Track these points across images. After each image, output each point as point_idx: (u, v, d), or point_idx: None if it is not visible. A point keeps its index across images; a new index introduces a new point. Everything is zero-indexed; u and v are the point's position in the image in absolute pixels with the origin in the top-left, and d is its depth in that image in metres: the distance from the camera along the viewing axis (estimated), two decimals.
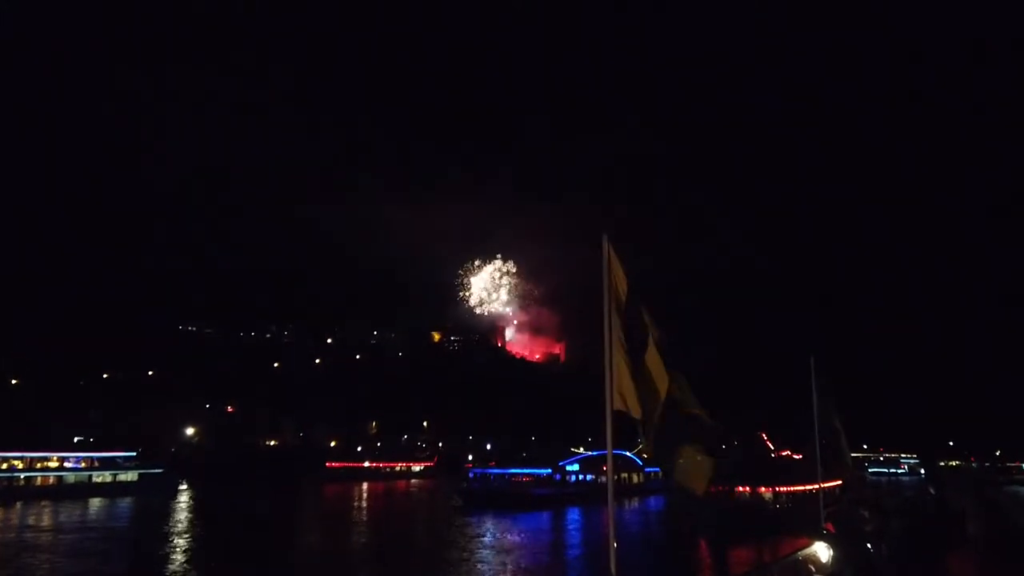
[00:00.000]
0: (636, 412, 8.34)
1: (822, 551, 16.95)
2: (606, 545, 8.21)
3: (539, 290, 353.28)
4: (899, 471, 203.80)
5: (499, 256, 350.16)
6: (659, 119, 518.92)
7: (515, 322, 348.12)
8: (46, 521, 61.73)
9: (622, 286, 8.67)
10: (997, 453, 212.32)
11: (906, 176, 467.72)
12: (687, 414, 8.34)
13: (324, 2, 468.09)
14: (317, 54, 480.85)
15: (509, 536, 55.85)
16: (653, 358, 8.41)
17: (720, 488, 56.11)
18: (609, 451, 8.61)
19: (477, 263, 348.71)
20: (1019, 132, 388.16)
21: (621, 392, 8.42)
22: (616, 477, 77.32)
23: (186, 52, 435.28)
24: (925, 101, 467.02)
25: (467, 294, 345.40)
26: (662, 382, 8.30)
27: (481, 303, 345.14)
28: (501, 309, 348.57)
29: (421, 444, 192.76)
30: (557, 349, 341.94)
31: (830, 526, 19.35)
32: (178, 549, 45.01)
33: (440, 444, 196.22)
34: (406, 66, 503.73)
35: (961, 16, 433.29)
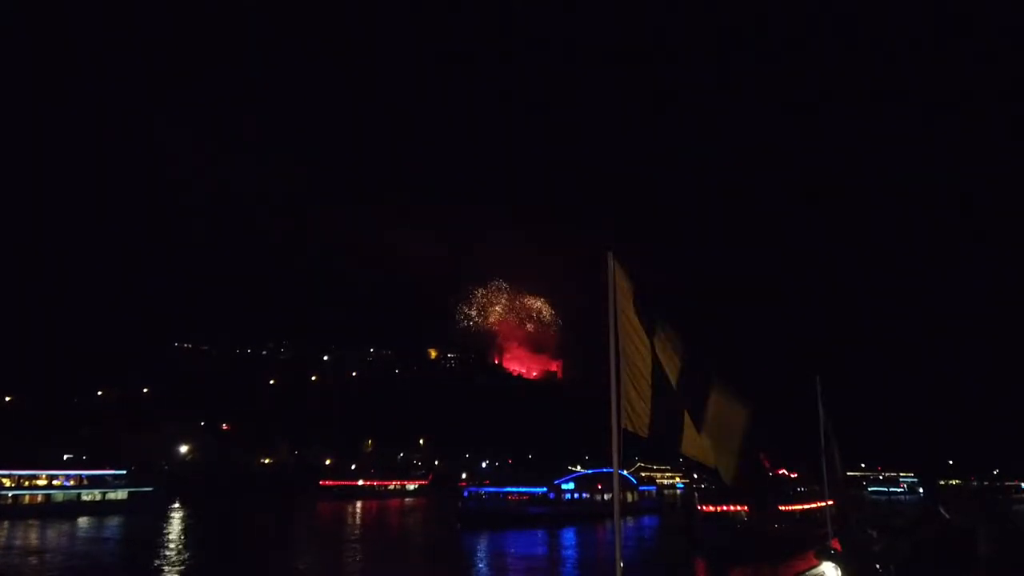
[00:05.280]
0: (644, 432, 8.18)
1: (829, 572, 16.22)
2: (604, 564, 7.61)
3: (538, 307, 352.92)
4: (898, 490, 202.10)
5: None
6: (653, 130, 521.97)
7: (512, 340, 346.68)
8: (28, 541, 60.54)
9: (628, 304, 8.36)
10: (995, 472, 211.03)
11: (905, 206, 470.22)
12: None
13: (322, 28, 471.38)
14: (314, 80, 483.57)
15: (508, 558, 54.69)
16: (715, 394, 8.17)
17: (719, 508, 55.18)
18: (616, 469, 8.18)
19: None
20: None
21: (629, 411, 8.18)
22: (609, 495, 75.67)
23: (189, 74, 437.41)
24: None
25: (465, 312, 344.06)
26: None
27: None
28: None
29: (417, 462, 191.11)
30: (554, 367, 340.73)
31: (836, 544, 18.62)
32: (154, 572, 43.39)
33: (436, 462, 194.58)
34: (400, 83, 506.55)
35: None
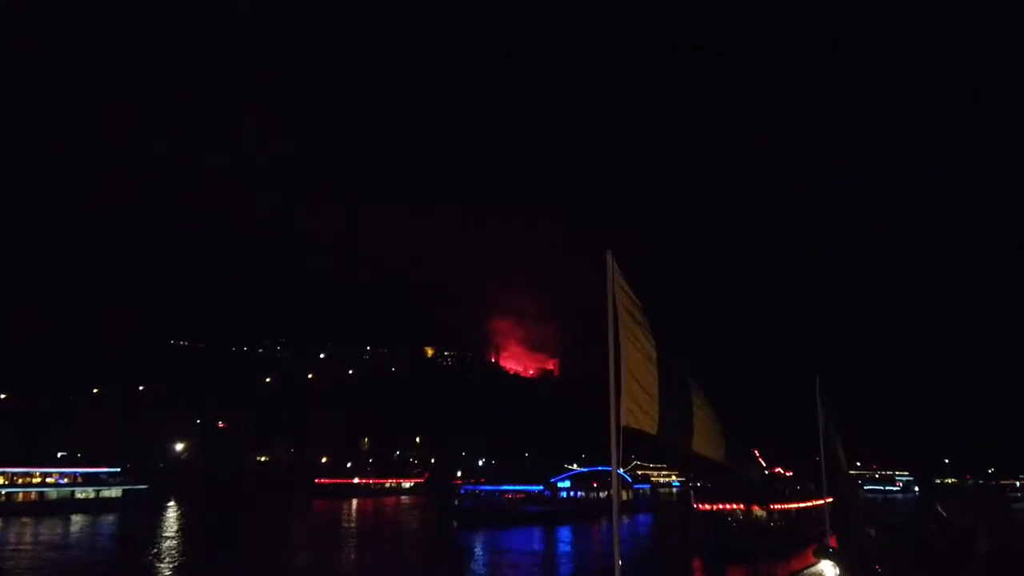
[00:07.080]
0: (653, 429, 8.16)
1: (828, 570, 16.05)
2: (601, 562, 7.43)
3: (534, 306, 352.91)
4: (894, 488, 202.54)
5: None
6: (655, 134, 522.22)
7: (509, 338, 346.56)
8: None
9: (630, 303, 8.40)
10: (991, 470, 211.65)
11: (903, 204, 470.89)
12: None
13: (319, 26, 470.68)
14: (313, 78, 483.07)
15: (505, 556, 54.44)
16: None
17: (714, 506, 55.01)
18: (615, 468, 8.02)
19: None
20: None
21: (635, 410, 8.12)
22: (606, 494, 75.10)
23: (188, 70, 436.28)
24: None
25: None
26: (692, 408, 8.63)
27: None
28: None
29: (413, 460, 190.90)
30: (551, 365, 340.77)
31: (834, 542, 18.46)
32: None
33: (432, 460, 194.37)
34: (400, 68, 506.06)
35: None
